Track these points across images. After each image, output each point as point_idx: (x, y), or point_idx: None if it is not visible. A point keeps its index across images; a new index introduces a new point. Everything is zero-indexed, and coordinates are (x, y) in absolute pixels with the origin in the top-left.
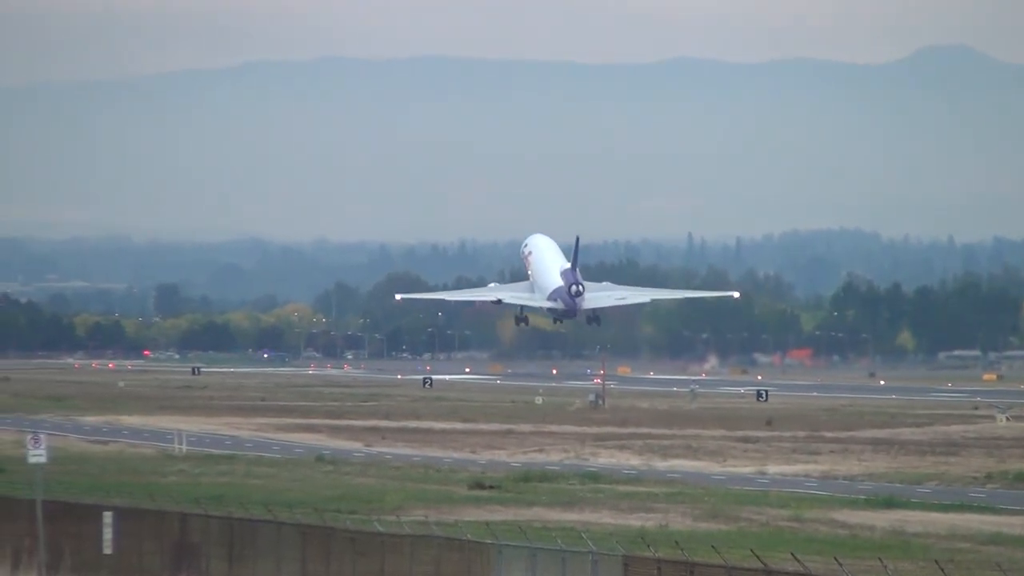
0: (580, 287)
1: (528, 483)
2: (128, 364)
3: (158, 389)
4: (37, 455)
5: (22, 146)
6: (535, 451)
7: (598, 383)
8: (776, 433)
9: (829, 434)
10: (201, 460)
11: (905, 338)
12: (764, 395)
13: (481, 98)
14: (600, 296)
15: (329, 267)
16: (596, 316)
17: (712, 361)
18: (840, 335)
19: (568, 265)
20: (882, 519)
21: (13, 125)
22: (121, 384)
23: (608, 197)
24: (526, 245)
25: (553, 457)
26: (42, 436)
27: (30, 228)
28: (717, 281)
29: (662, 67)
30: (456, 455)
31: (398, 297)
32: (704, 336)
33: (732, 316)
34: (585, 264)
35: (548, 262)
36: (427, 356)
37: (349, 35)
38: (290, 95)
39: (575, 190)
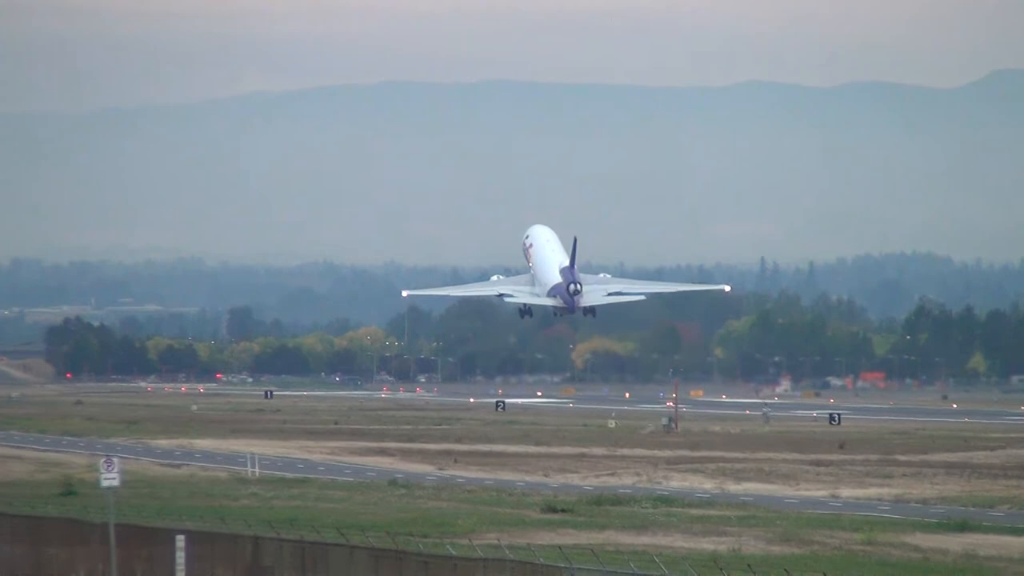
0: (578, 286)
1: (600, 506)
2: (200, 387)
3: (231, 412)
4: (110, 479)
5: (97, 170)
6: (608, 475)
7: (671, 406)
8: (849, 456)
9: (902, 457)
10: (274, 484)
11: (977, 361)
12: (837, 418)
13: (552, 121)
14: (596, 290)
15: (401, 291)
16: (592, 309)
17: (785, 384)
18: (913, 358)
19: (567, 263)
20: (955, 543)
21: (87, 150)
22: (194, 407)
23: (681, 221)
24: (527, 237)
25: (626, 481)
26: (115, 459)
27: (103, 251)
28: (789, 305)
29: (735, 91)
30: (529, 479)
31: (405, 293)
32: (776, 359)
33: (805, 339)
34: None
35: (548, 256)
36: (499, 379)
37: (412, 59)
38: (359, 119)
39: (649, 214)
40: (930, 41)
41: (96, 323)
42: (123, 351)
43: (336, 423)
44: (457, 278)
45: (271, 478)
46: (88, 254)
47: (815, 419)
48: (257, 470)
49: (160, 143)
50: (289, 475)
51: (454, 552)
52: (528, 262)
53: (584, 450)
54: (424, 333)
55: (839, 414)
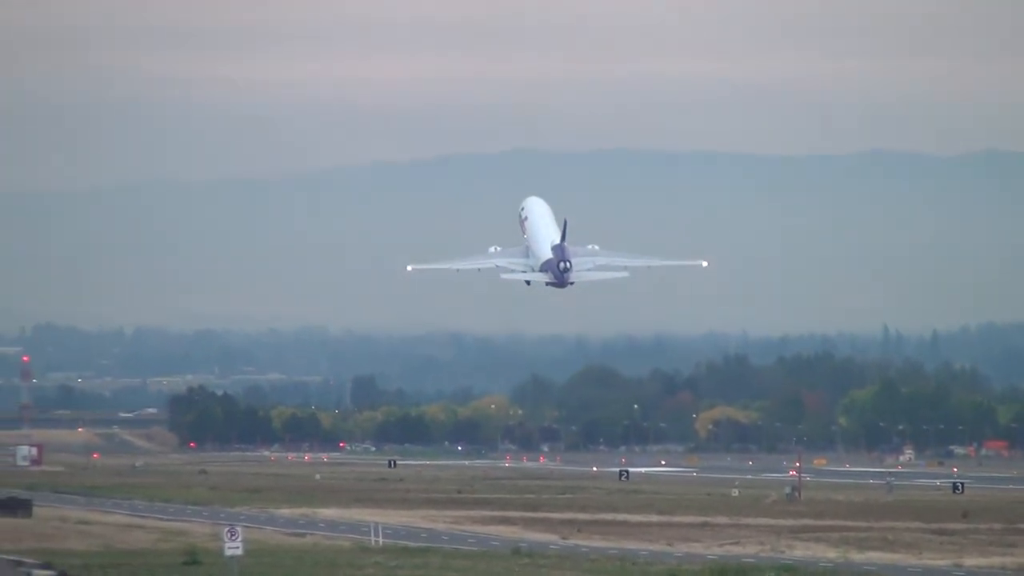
0: (568, 264)
1: (724, 575)
2: (324, 456)
3: (354, 481)
4: (233, 548)
5: (220, 239)
6: (731, 543)
7: (794, 475)
8: (973, 525)
9: None
10: (397, 553)
11: None
12: (960, 487)
13: (667, 188)
14: (584, 262)
15: (525, 360)
16: (573, 282)
17: (908, 453)
18: None
19: (558, 240)
20: None
21: (211, 219)
22: (317, 476)
23: (804, 290)
24: (523, 208)
25: (749, 550)
26: (238, 529)
27: (227, 321)
28: (913, 374)
29: (856, 159)
30: (652, 547)
31: (409, 268)
32: (900, 428)
33: (928, 408)
34: (781, 356)
35: (542, 231)
36: (623, 448)
37: (540, 128)
38: (482, 185)
39: (772, 282)
40: None
41: (220, 392)
42: (247, 420)
43: (459, 492)
44: (581, 348)
45: (395, 547)
46: (212, 323)
47: (938, 488)
48: (380, 539)
49: (283, 211)
50: (412, 544)
51: None
52: (523, 233)
53: (707, 519)
54: (548, 402)
55: (963, 483)
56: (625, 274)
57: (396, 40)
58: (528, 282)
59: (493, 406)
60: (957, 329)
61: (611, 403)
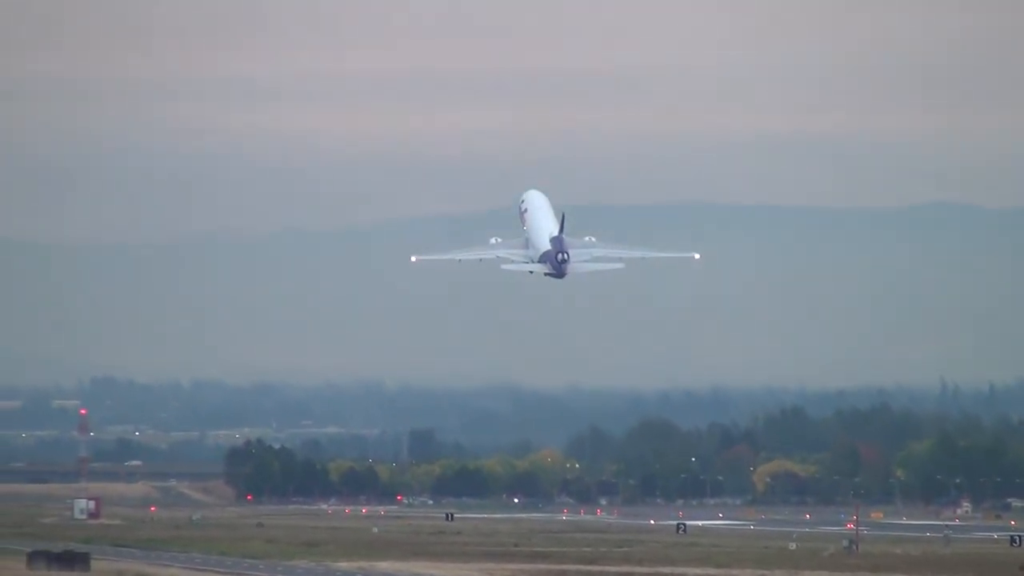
0: (565, 255)
1: None
2: (381, 510)
3: (411, 535)
4: None
5: (277, 291)
6: None
7: (851, 528)
8: None
9: None
10: None
11: None
12: (1018, 540)
13: (727, 243)
14: (581, 254)
15: (582, 413)
16: (568, 272)
17: (965, 506)
18: None
19: (557, 232)
20: None
21: (267, 271)
22: (375, 530)
23: (861, 342)
24: (523, 201)
25: None
26: None
27: (284, 374)
28: (970, 427)
29: (914, 212)
30: None
31: (414, 259)
32: (957, 481)
33: (985, 461)
34: (839, 408)
35: (540, 223)
36: (680, 502)
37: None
38: None
39: (830, 334)
40: None
41: (277, 445)
42: (304, 473)
43: (516, 545)
44: (638, 401)
45: None
46: (269, 376)
47: (996, 541)
48: None
49: (339, 264)
50: None
51: None
52: (523, 225)
53: (765, 572)
54: (605, 455)
55: (1020, 536)
56: (621, 265)
57: (443, 92)
58: (532, 271)
59: (550, 459)
60: (1014, 382)
61: (668, 456)
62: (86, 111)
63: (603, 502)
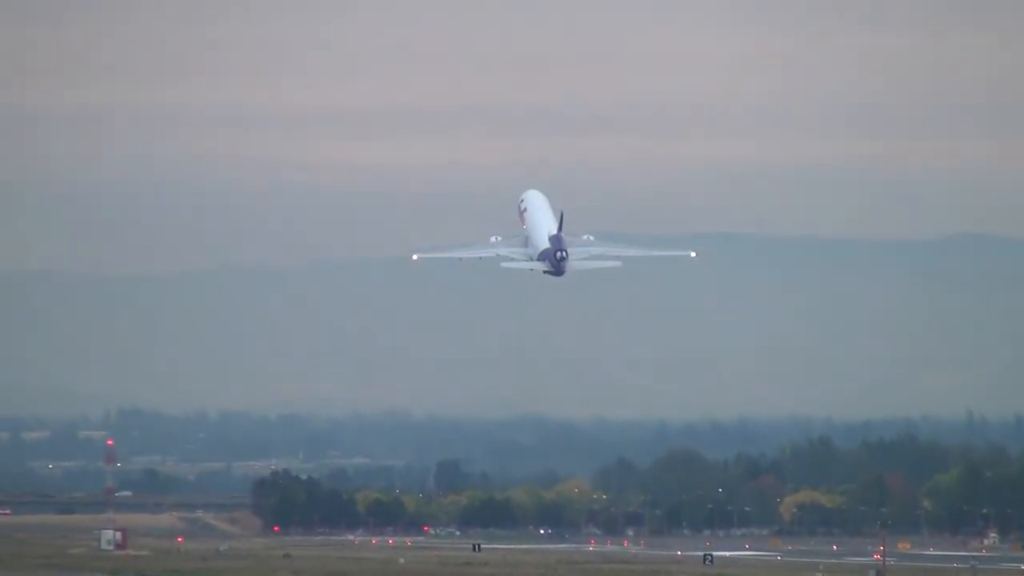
0: (564, 253)
1: None
2: (408, 540)
3: (438, 566)
4: None
5: (304, 321)
6: None
7: (878, 559)
8: None
9: None
10: None
11: None
12: None
13: (752, 271)
14: (579, 252)
15: (609, 443)
16: (567, 270)
17: (992, 536)
18: None
19: (555, 231)
20: None
21: (292, 302)
22: (401, 561)
23: (888, 372)
24: (522, 200)
25: None
26: None
27: (311, 404)
28: (997, 457)
29: (945, 244)
30: None
31: (415, 256)
32: (984, 511)
33: (1012, 491)
34: (866, 439)
35: (539, 222)
36: (707, 532)
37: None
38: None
39: (857, 366)
40: None
41: (304, 476)
42: (331, 504)
43: None
44: (665, 432)
45: None
46: (296, 407)
47: (1022, 571)
48: None
49: (365, 295)
50: None
51: None
52: (522, 224)
53: None
54: (632, 486)
55: None
56: (618, 263)
57: (484, 126)
58: (532, 270)
59: (577, 490)
60: None
61: (695, 487)
62: (111, 140)
63: (630, 533)
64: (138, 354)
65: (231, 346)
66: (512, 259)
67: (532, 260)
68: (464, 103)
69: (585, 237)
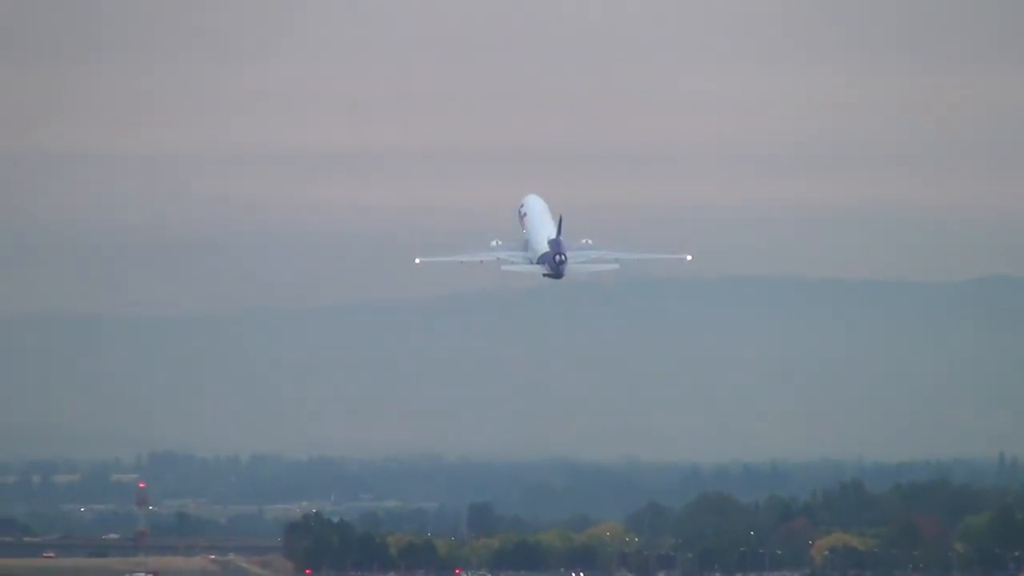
0: (563, 256)
1: None
2: None
3: None
4: None
5: (337, 364)
6: None
7: None
8: None
9: None
10: None
11: None
12: None
13: (787, 315)
14: (578, 255)
15: (641, 487)
16: (566, 273)
17: None
18: None
19: (555, 235)
20: None
21: (324, 345)
22: None
23: (919, 415)
24: (523, 206)
25: None
26: None
27: (343, 447)
28: None
29: (975, 285)
30: None
31: (417, 260)
32: (1016, 554)
33: None
34: (897, 482)
35: (539, 226)
36: (738, 575)
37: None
38: (588, 311)
39: (888, 408)
40: None
41: (335, 519)
42: (362, 547)
43: None
44: (697, 475)
45: None
46: (327, 449)
47: None
48: None
49: (398, 336)
50: None
51: None
52: (522, 228)
53: None
54: (663, 528)
55: None
56: (616, 266)
57: (511, 164)
58: (544, 274)
59: (609, 533)
60: None
61: (726, 529)
62: (137, 185)
63: (662, 575)
64: (170, 397)
65: (262, 389)
66: (512, 262)
67: (532, 263)
68: (476, 141)
69: (584, 240)
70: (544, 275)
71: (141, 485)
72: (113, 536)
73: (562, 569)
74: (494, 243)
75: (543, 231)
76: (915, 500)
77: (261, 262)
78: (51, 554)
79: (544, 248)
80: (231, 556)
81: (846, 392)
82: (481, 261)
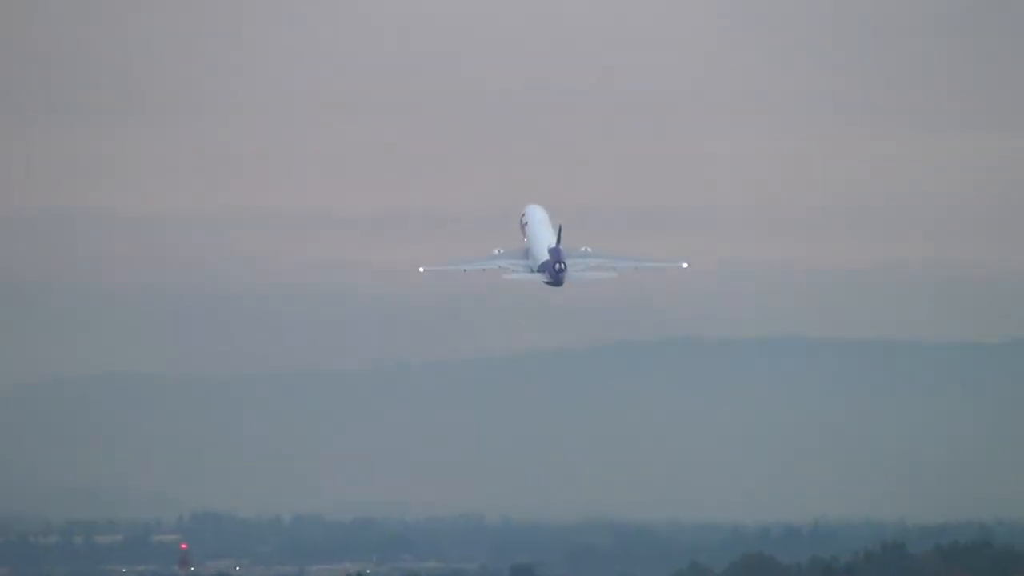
0: (563, 265)
1: None
2: None
3: None
4: None
5: (377, 426)
6: None
7: None
8: None
9: None
10: None
11: None
12: None
13: (821, 378)
14: (577, 264)
15: (682, 547)
16: (565, 281)
17: None
18: None
19: (555, 243)
20: None
21: (364, 405)
22: None
23: (958, 478)
24: (524, 215)
25: None
26: None
27: (385, 507)
28: None
29: (1006, 348)
30: None
31: (421, 269)
32: None
33: None
34: (940, 543)
35: (539, 236)
36: None
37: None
38: (640, 370)
39: (928, 470)
40: None
41: None
42: None
43: None
44: (739, 535)
45: None
46: (370, 510)
47: None
48: None
49: (438, 395)
50: None
51: None
52: (523, 237)
53: None
54: None
55: None
56: (615, 275)
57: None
58: (545, 282)
59: None
60: None
61: None
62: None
63: None
64: (212, 457)
65: (304, 448)
66: (513, 271)
67: (532, 272)
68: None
69: (583, 249)
70: (545, 283)
71: (183, 546)
72: None
73: None
74: (496, 252)
75: (543, 240)
76: (957, 561)
77: (302, 321)
78: None
79: (544, 257)
80: None
81: (889, 452)
82: (483, 270)
